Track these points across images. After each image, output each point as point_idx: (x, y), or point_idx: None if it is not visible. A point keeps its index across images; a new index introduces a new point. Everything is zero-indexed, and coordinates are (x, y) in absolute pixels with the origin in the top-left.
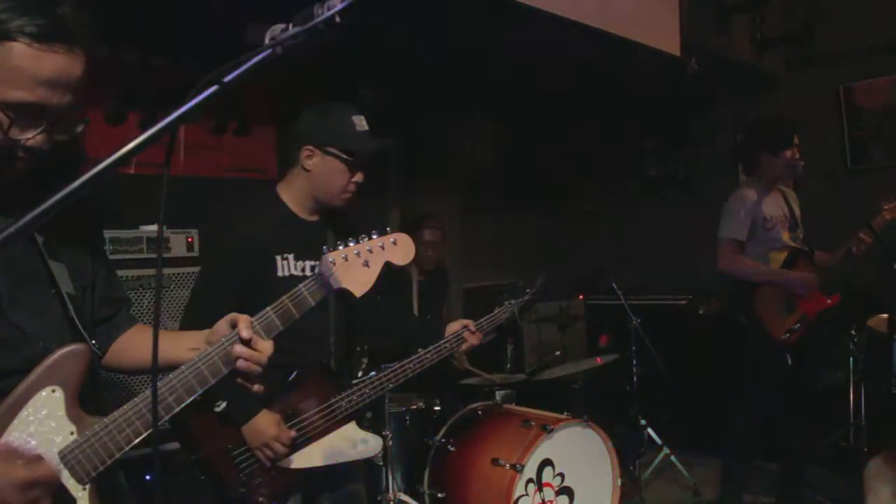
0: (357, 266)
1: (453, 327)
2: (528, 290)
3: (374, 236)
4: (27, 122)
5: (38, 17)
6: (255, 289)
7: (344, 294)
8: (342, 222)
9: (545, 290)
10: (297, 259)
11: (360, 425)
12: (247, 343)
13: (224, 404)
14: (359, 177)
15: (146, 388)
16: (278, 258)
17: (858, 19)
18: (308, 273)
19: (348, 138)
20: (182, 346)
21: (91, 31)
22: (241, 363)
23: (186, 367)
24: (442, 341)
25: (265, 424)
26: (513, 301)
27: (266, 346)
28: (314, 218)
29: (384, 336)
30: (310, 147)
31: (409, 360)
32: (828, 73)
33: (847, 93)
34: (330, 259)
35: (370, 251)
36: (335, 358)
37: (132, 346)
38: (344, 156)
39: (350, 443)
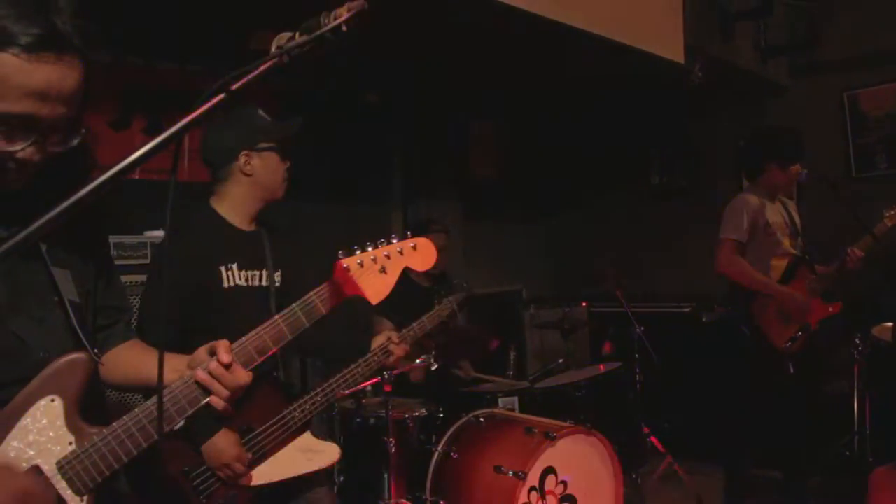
0: (373, 272)
1: (378, 340)
2: (464, 286)
3: (394, 241)
4: (15, 134)
5: (31, 28)
6: (200, 299)
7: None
8: (277, 228)
9: (468, 295)
10: (240, 269)
11: (315, 435)
12: (227, 367)
13: (181, 422)
14: (288, 164)
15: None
16: (223, 269)
17: (863, 27)
18: (254, 283)
19: (272, 130)
20: (168, 368)
21: (91, 40)
22: (200, 374)
23: (171, 389)
24: (369, 355)
25: (225, 444)
26: (448, 298)
27: (242, 374)
28: (252, 227)
29: (311, 350)
30: (246, 152)
31: (349, 369)
32: (832, 81)
33: (851, 100)
34: (344, 265)
35: (388, 256)
36: (283, 369)
37: (120, 362)
38: (276, 146)
39: (307, 454)
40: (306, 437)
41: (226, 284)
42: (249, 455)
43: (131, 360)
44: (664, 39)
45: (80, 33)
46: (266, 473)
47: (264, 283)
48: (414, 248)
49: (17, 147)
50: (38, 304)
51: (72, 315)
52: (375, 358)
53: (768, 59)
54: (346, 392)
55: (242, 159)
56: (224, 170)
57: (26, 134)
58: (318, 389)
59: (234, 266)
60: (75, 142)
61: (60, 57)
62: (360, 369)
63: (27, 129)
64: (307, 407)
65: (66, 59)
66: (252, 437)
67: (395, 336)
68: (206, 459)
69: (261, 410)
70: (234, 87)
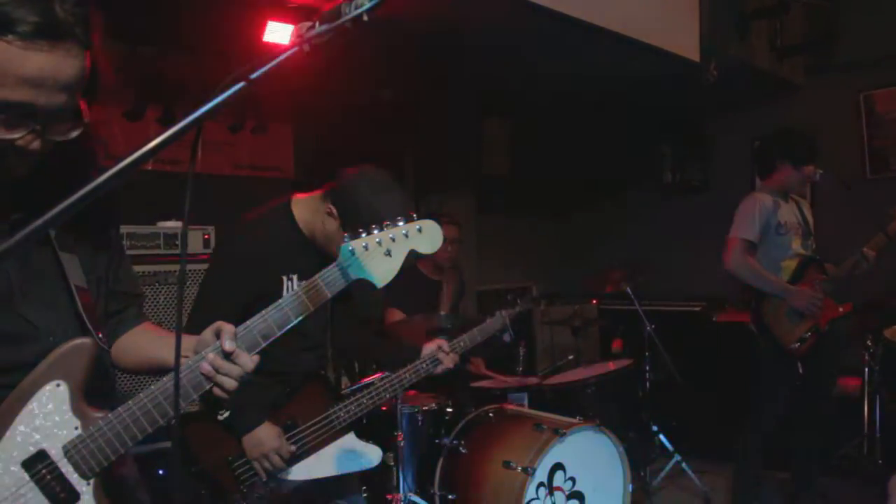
0: (378, 256)
1: (428, 348)
2: (518, 301)
3: (400, 223)
4: (14, 122)
5: (30, 15)
6: (259, 305)
7: (346, 298)
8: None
9: (533, 305)
10: (300, 279)
11: (359, 436)
12: (228, 356)
13: (227, 413)
14: None
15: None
16: (284, 278)
17: (879, 27)
18: None
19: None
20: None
21: (92, 27)
22: (204, 367)
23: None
24: (418, 362)
25: (266, 436)
26: (501, 312)
27: (246, 361)
28: None
29: (360, 354)
30: (332, 209)
31: (397, 374)
32: (848, 81)
33: (867, 101)
34: (350, 248)
35: (393, 239)
36: (331, 368)
37: (132, 346)
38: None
39: (349, 454)
40: (349, 438)
41: (285, 294)
42: (293, 448)
43: (142, 343)
44: (680, 37)
45: (82, 21)
46: (306, 469)
47: None
48: (420, 230)
49: (17, 135)
50: (49, 290)
51: (77, 300)
52: (424, 366)
53: (784, 59)
54: (390, 398)
55: (326, 209)
56: (323, 185)
57: (25, 122)
58: (365, 391)
59: (296, 277)
60: (76, 132)
61: (56, 45)
62: (407, 375)
63: (25, 116)
64: (352, 408)
65: (63, 47)
66: (295, 433)
67: (445, 345)
68: (246, 450)
69: (306, 407)
70: (254, 76)
